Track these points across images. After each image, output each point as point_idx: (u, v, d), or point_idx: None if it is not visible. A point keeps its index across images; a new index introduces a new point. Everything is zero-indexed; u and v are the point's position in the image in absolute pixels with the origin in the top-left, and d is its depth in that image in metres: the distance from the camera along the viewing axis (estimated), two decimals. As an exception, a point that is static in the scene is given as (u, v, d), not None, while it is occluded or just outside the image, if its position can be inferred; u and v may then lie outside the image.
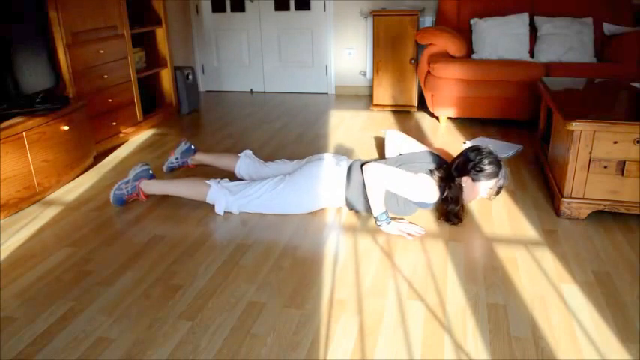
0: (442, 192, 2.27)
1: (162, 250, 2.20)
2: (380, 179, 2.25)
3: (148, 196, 2.64)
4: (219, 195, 2.46)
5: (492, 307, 1.77)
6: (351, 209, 2.49)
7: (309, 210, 2.49)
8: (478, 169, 2.22)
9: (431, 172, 2.29)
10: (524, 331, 1.64)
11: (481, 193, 2.30)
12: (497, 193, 2.31)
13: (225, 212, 2.50)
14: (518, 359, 1.53)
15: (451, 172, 2.27)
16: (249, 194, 2.46)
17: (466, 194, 2.28)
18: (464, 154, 2.29)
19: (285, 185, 2.43)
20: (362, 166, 2.37)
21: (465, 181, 2.25)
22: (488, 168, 2.22)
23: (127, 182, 2.61)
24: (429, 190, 2.27)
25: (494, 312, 1.74)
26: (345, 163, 2.45)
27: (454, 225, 2.33)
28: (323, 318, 1.73)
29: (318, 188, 2.42)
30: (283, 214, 2.49)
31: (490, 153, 2.26)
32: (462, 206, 2.31)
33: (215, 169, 2.90)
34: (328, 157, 2.49)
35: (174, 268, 2.06)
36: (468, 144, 3.39)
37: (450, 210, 2.29)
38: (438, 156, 2.44)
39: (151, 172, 2.66)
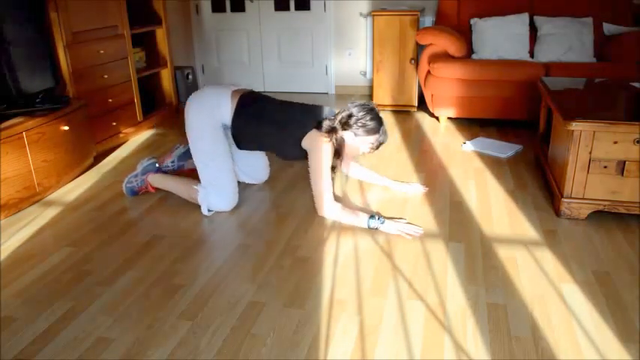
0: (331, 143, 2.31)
1: (162, 250, 2.20)
2: (332, 207, 2.32)
3: (156, 189, 2.73)
4: (204, 196, 2.48)
5: (492, 307, 1.77)
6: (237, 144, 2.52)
7: (218, 132, 2.44)
8: (360, 124, 2.29)
9: (318, 123, 2.31)
10: (524, 331, 1.64)
11: (362, 148, 2.38)
12: (377, 147, 2.39)
13: (209, 210, 2.50)
14: (518, 359, 1.53)
15: (334, 125, 2.31)
16: (202, 176, 2.47)
17: (348, 148, 2.35)
18: (348, 108, 2.33)
19: (189, 137, 2.45)
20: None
21: (348, 134, 2.31)
22: (370, 123, 2.30)
23: (136, 176, 2.73)
24: (327, 149, 2.29)
25: (494, 312, 1.74)
26: (226, 87, 2.47)
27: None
28: (323, 318, 1.73)
29: (202, 110, 2.41)
30: (228, 156, 2.48)
31: (372, 109, 2.33)
32: (340, 160, 2.36)
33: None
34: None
35: (175, 268, 2.06)
36: (469, 144, 3.39)
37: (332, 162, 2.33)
38: (328, 108, 2.46)
39: (157, 165, 2.77)
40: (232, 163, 2.52)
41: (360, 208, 2.49)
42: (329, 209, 2.33)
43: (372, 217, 2.28)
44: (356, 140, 2.34)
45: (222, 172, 2.47)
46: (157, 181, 2.70)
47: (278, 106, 2.44)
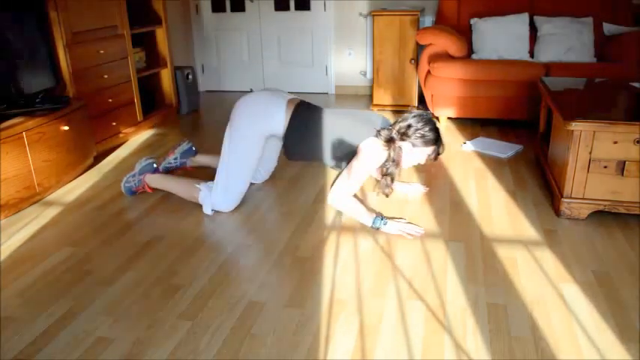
0: (386, 151, 2.29)
1: (162, 250, 2.20)
2: (346, 196, 2.31)
3: (153, 189, 2.73)
4: (207, 196, 2.48)
5: (492, 307, 1.77)
6: (295, 159, 2.55)
7: (261, 141, 2.45)
8: (419, 134, 2.26)
9: (378, 132, 2.30)
10: (524, 331, 1.64)
11: (419, 158, 2.36)
12: (435, 159, 2.37)
13: (213, 210, 2.50)
14: (518, 359, 1.53)
15: (392, 135, 2.29)
16: (219, 178, 2.46)
17: (405, 158, 2.32)
18: (406, 118, 2.31)
19: (229, 140, 2.43)
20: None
21: (405, 145, 2.29)
22: (428, 134, 2.27)
23: (134, 175, 2.73)
24: (377, 153, 2.28)
25: (494, 312, 1.74)
26: (282, 97, 2.45)
27: (385, 196, 2.36)
28: (323, 318, 1.73)
29: (252, 117, 2.41)
30: (255, 167, 2.50)
31: (430, 120, 2.31)
32: (399, 170, 2.33)
33: (214, 171, 2.90)
34: (257, 91, 2.53)
35: (175, 268, 2.06)
36: (469, 144, 3.39)
37: (390, 172, 2.30)
38: (382, 117, 2.45)
39: (155, 165, 2.76)
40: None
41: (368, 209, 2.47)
42: (339, 198, 2.30)
43: (376, 217, 2.28)
44: (414, 151, 2.30)
45: (241, 180, 2.49)
46: (155, 181, 2.69)
47: (334, 117, 2.41)
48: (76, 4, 3.18)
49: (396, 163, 2.29)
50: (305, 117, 2.40)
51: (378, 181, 2.41)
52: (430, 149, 2.32)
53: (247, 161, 2.47)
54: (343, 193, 2.31)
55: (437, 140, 2.31)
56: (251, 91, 5.33)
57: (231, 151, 2.44)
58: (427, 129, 2.27)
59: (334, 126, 2.37)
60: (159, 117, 4.23)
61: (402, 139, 2.28)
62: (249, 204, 2.62)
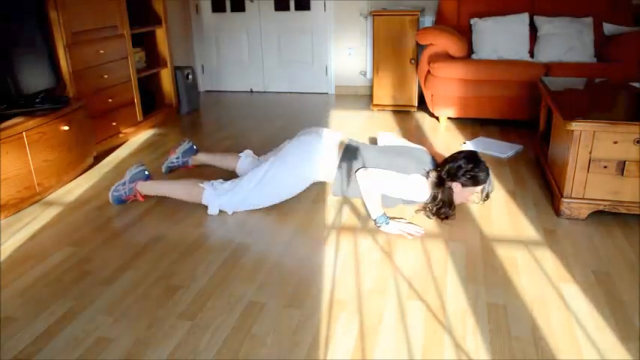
0: (433, 193, 2.34)
1: (162, 250, 2.20)
2: (375, 185, 2.31)
3: (145, 197, 2.63)
4: (212, 196, 2.46)
5: (492, 307, 1.77)
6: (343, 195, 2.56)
7: (303, 186, 2.51)
8: (469, 175, 2.29)
9: (427, 173, 2.36)
10: (524, 331, 1.64)
11: (468, 197, 2.39)
12: (487, 198, 2.38)
13: (220, 210, 2.49)
14: (518, 359, 1.53)
15: (442, 175, 2.32)
16: (242, 187, 2.45)
17: (455, 198, 2.35)
18: (456, 159, 2.34)
19: (275, 167, 2.43)
20: (356, 170, 2.40)
21: (455, 185, 2.31)
22: (479, 175, 2.30)
23: (124, 184, 2.61)
24: (420, 191, 2.36)
25: (494, 312, 1.74)
26: (333, 139, 2.49)
27: (442, 220, 2.38)
28: (323, 318, 1.73)
29: (306, 160, 2.44)
30: (280, 200, 2.50)
31: (480, 160, 2.33)
32: (453, 210, 2.37)
33: (215, 170, 2.90)
34: (316, 131, 2.53)
35: (174, 268, 2.06)
36: (469, 144, 3.39)
37: (444, 212, 2.34)
38: (432, 156, 2.50)
39: (147, 172, 2.64)
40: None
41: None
42: (369, 177, 2.31)
43: (383, 214, 2.28)
44: (463, 190, 2.33)
45: (261, 201, 2.50)
46: (149, 188, 2.59)
47: (382, 158, 2.43)
48: (76, 4, 3.18)
49: (449, 202, 2.32)
50: (351, 159, 2.45)
51: (429, 211, 2.40)
52: (479, 188, 2.35)
53: (281, 193, 2.50)
54: (374, 177, 2.31)
55: (486, 180, 2.33)
56: (251, 91, 5.37)
57: (275, 176, 2.43)
58: (477, 170, 2.29)
59: (385, 166, 2.39)
60: (159, 117, 4.23)
61: (452, 180, 2.31)
62: (249, 204, 2.62)
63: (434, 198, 2.34)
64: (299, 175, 2.47)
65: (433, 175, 2.35)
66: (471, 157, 2.33)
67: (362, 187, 2.33)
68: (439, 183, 2.32)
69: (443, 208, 2.32)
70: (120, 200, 2.62)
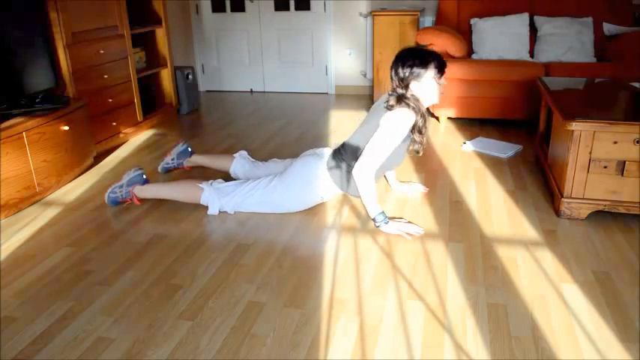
0: (410, 110, 2.24)
1: (163, 250, 2.20)
2: (369, 172, 2.25)
3: (141, 201, 2.62)
4: (212, 196, 2.47)
5: (492, 307, 1.77)
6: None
7: (304, 207, 2.50)
8: (411, 69, 2.22)
9: (390, 106, 2.25)
10: (524, 331, 1.64)
11: (435, 87, 2.27)
12: (443, 72, 2.27)
13: (220, 212, 2.50)
14: (518, 359, 1.53)
15: (398, 91, 2.26)
16: (242, 193, 2.46)
17: (423, 97, 2.28)
18: (393, 69, 2.27)
19: (276, 184, 2.43)
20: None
21: (413, 87, 2.25)
22: (416, 61, 2.22)
23: (121, 186, 2.60)
24: (403, 118, 2.24)
25: (494, 312, 1.74)
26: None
27: (418, 154, 2.37)
28: (323, 318, 1.73)
29: (309, 185, 2.43)
30: (279, 212, 2.49)
31: (409, 48, 2.30)
32: (425, 120, 2.30)
33: (211, 171, 2.91)
34: (320, 153, 2.51)
35: (174, 268, 2.06)
36: (469, 144, 3.39)
37: (421, 122, 2.28)
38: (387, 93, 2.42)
39: (144, 176, 2.64)
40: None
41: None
42: (365, 169, 2.26)
43: (382, 212, 2.27)
44: (423, 84, 2.24)
45: (260, 209, 2.49)
46: (146, 191, 2.58)
47: (356, 133, 2.40)
48: (76, 4, 3.18)
49: (419, 109, 2.25)
50: (346, 158, 2.40)
51: (412, 144, 2.35)
52: (432, 71, 2.24)
53: (284, 207, 2.48)
54: (369, 164, 2.26)
55: (429, 57, 2.24)
56: (251, 91, 5.37)
57: (276, 192, 2.43)
58: (410, 60, 2.22)
59: (363, 136, 2.35)
60: (159, 117, 4.22)
61: (407, 87, 2.24)
62: (249, 204, 2.62)
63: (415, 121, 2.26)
64: (300, 201, 2.47)
65: (392, 99, 2.25)
66: (400, 54, 2.27)
67: (359, 184, 2.28)
68: (401, 97, 2.24)
69: (417, 115, 2.24)
70: (115, 202, 2.62)
